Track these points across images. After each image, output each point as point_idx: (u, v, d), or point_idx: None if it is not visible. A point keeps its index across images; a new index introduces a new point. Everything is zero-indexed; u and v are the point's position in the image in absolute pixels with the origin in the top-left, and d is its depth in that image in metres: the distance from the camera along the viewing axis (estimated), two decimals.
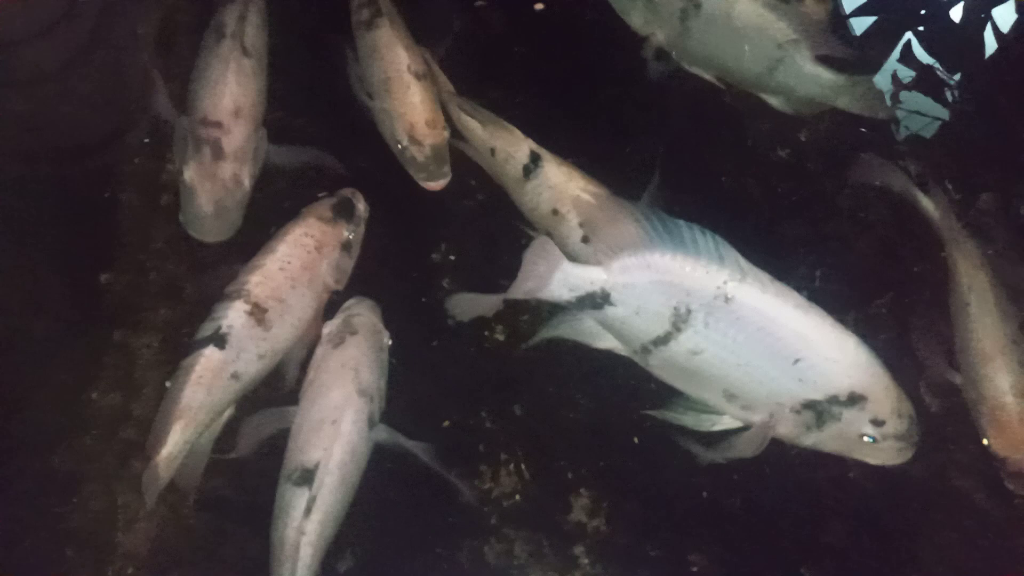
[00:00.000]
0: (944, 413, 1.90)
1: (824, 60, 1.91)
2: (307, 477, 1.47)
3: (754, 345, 1.36)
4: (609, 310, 1.43)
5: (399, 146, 1.85)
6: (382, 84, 1.89)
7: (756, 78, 1.96)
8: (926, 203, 1.95)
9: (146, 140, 1.91)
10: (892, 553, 1.82)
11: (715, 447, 1.53)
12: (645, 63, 2.06)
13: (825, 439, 1.42)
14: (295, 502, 1.47)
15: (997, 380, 1.71)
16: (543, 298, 1.47)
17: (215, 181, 1.75)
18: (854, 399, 1.36)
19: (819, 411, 1.38)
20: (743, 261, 1.35)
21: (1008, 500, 1.82)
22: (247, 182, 1.78)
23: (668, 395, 1.63)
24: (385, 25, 1.93)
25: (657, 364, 1.48)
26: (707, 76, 2.04)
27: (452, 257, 1.95)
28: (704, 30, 1.93)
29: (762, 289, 1.34)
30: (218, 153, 1.75)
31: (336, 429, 1.51)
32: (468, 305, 1.57)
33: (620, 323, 1.45)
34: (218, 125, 1.76)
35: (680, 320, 1.37)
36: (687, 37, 1.95)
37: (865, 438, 1.39)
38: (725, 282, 1.34)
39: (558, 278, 1.43)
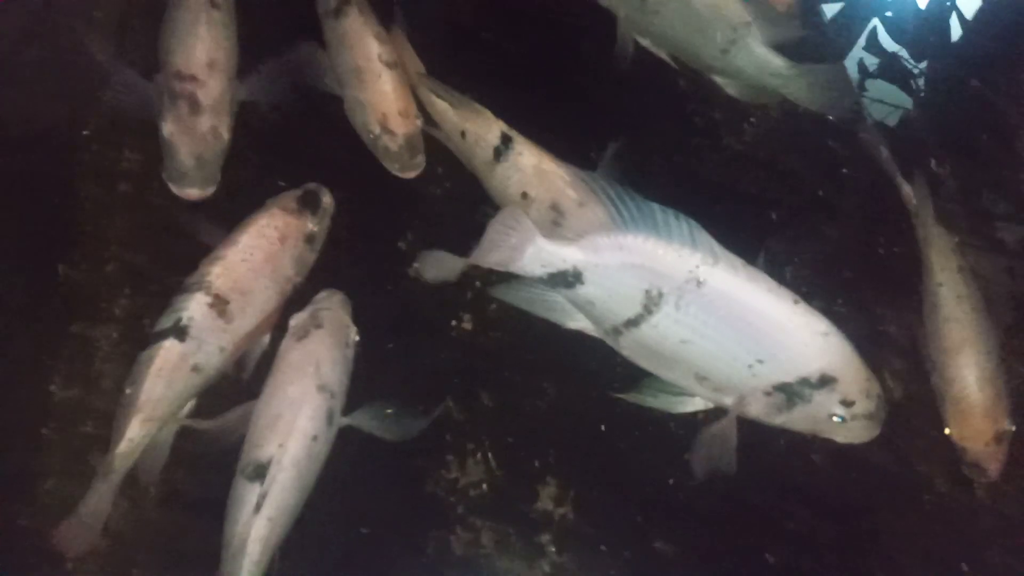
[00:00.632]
0: (907, 400, 1.92)
1: (782, 49, 1.88)
2: (260, 472, 1.44)
3: (725, 328, 1.35)
4: (580, 289, 1.41)
5: (371, 136, 1.81)
6: (352, 74, 1.84)
7: (710, 59, 1.93)
8: (906, 191, 1.94)
9: (85, 132, 1.85)
10: (855, 538, 1.83)
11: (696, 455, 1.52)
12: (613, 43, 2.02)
13: (795, 419, 1.42)
14: (246, 497, 1.44)
15: (963, 372, 1.71)
16: (513, 271, 1.44)
17: (194, 135, 1.71)
18: (825, 381, 1.36)
19: (790, 393, 1.37)
20: (716, 245, 1.34)
21: (968, 486, 1.84)
22: (226, 134, 1.75)
23: (637, 380, 1.61)
24: (354, 13, 1.88)
25: (628, 346, 1.47)
26: (662, 55, 2.01)
27: (419, 245, 1.91)
28: (662, 5, 1.90)
29: (734, 273, 1.33)
30: (195, 107, 1.71)
31: (292, 424, 1.47)
32: (436, 264, 1.52)
33: (591, 303, 1.43)
34: (192, 79, 1.72)
35: (652, 303, 1.36)
36: (645, 11, 1.92)
37: (835, 418, 1.39)
38: (697, 266, 1.33)
39: (530, 252, 1.40)
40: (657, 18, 1.91)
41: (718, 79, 1.98)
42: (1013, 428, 1.69)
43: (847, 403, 1.38)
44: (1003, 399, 1.70)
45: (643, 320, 1.39)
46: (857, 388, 1.37)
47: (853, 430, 1.42)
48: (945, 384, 1.73)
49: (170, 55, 1.76)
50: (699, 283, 1.33)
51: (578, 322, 1.53)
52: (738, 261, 1.34)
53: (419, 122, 1.84)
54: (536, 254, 1.40)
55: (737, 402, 1.43)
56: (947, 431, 1.73)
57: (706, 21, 1.86)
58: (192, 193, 1.73)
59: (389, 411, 1.58)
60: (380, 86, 1.82)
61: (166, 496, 1.64)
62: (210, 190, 1.74)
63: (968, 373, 1.71)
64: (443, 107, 1.83)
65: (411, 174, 1.84)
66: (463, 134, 1.80)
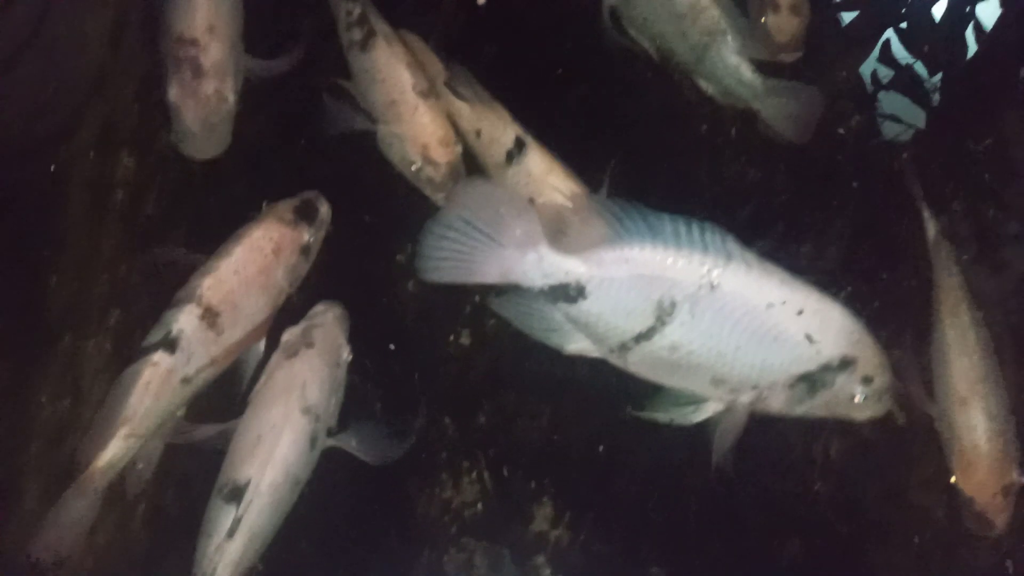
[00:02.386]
0: (909, 428, 1.84)
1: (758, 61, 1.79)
2: (236, 495, 1.37)
3: (743, 329, 1.28)
4: (583, 305, 1.31)
5: (413, 168, 1.72)
6: (387, 107, 1.74)
7: (688, 60, 1.85)
8: (930, 226, 1.83)
9: (79, 141, 1.75)
10: (852, 568, 1.76)
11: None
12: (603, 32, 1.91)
13: (816, 406, 1.36)
14: (221, 519, 1.37)
15: (972, 422, 1.61)
16: (511, 280, 1.32)
17: (198, 99, 1.65)
18: (845, 364, 1.30)
19: (812, 381, 1.31)
20: (731, 244, 1.25)
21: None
22: (231, 97, 1.68)
23: (639, 396, 1.50)
24: (382, 45, 1.76)
25: (637, 361, 1.36)
26: (645, 45, 1.92)
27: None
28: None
29: (747, 271, 1.25)
30: (197, 71, 1.65)
31: (272, 448, 1.40)
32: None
33: (596, 319, 1.33)
34: (194, 43, 1.66)
35: (664, 314, 1.28)
36: (629, 2, 1.84)
37: (856, 398, 1.34)
38: (710, 269, 1.25)
39: (532, 258, 1.30)
40: (643, 11, 1.83)
41: (699, 80, 1.90)
42: (1022, 481, 1.59)
43: (867, 381, 1.32)
44: (1012, 451, 1.60)
45: (656, 332, 1.30)
46: (874, 364, 1.32)
47: (871, 406, 1.36)
48: (952, 434, 1.63)
49: (172, 20, 1.68)
50: (712, 287, 1.25)
51: (578, 344, 1.43)
52: (752, 257, 1.26)
53: (459, 148, 1.74)
54: (538, 262, 1.30)
55: (757, 399, 1.36)
56: (952, 480, 1.64)
57: (684, 22, 1.78)
58: (201, 156, 1.67)
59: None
60: (418, 118, 1.71)
61: (153, 514, 1.58)
62: (219, 152, 1.68)
63: (977, 424, 1.61)
64: (460, 104, 1.75)
65: None
66: (478, 133, 1.73)
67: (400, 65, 1.75)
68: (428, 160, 1.71)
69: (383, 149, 1.77)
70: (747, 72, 1.79)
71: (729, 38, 1.78)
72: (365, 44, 1.77)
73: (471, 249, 1.31)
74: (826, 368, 1.30)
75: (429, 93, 1.74)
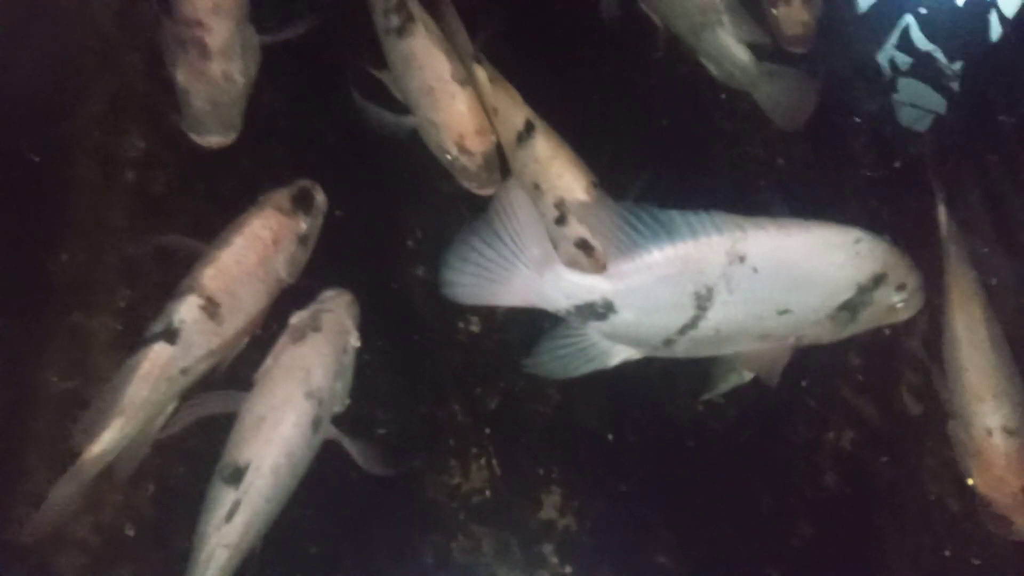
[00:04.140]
0: (922, 417, 1.78)
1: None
2: (237, 476, 1.34)
3: (778, 285, 1.27)
4: (615, 318, 1.28)
5: (448, 157, 1.66)
6: (423, 95, 1.67)
7: (687, 37, 1.82)
8: (943, 219, 1.75)
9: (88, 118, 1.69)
10: (861, 557, 1.71)
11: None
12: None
13: (859, 325, 1.37)
14: (221, 500, 1.34)
15: (988, 421, 1.56)
16: (534, 304, 1.28)
17: (206, 81, 1.61)
18: (878, 280, 1.30)
19: (852, 306, 1.32)
20: (738, 218, 1.23)
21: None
22: (239, 79, 1.63)
23: (651, 378, 1.54)
24: (420, 32, 1.68)
25: (684, 348, 1.35)
26: (654, 18, 1.87)
27: (428, 244, 1.77)
28: None
29: (766, 232, 1.24)
30: (204, 52, 1.60)
31: (274, 430, 1.36)
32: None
33: (634, 328, 1.30)
34: (199, 24, 1.60)
35: (704, 301, 1.26)
36: None
37: (897, 305, 1.35)
38: (733, 244, 1.23)
39: (550, 279, 1.26)
40: None
41: (701, 59, 1.85)
42: None
43: (902, 287, 1.33)
44: None
45: (700, 320, 1.28)
46: (903, 270, 1.33)
47: (911, 305, 1.38)
48: (967, 433, 1.57)
49: (176, 1, 1.63)
50: (741, 259, 1.23)
51: (619, 355, 1.38)
52: (761, 219, 1.25)
53: (494, 138, 1.68)
54: (556, 282, 1.27)
55: (802, 338, 1.36)
56: (970, 482, 1.58)
57: None
58: (212, 140, 1.62)
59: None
60: (455, 107, 1.65)
61: (162, 492, 1.54)
62: (231, 137, 1.63)
63: (992, 422, 1.55)
64: (482, 80, 1.70)
65: (489, 191, 1.67)
66: (495, 111, 1.69)
67: (438, 52, 1.67)
68: (463, 150, 1.65)
69: (423, 137, 1.71)
70: (742, 55, 1.75)
71: (725, 19, 1.73)
72: (403, 30, 1.70)
73: (491, 270, 1.27)
74: (862, 290, 1.30)
75: (467, 81, 1.68)
